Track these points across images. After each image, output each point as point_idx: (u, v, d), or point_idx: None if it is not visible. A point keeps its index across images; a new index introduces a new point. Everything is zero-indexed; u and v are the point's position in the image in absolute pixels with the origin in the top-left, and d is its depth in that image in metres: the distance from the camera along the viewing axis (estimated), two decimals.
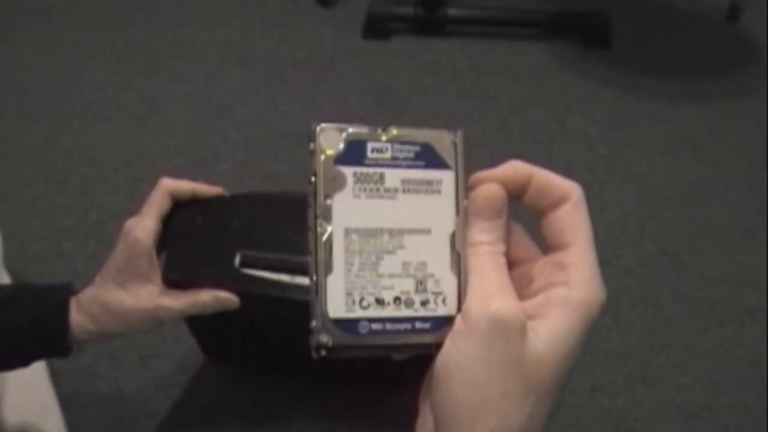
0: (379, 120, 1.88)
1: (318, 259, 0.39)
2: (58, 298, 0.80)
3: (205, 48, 1.93)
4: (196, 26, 2.01)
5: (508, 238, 0.42)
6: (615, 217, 1.42)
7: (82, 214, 1.41)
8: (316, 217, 0.39)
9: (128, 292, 0.80)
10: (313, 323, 0.39)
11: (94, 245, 1.33)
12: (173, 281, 0.82)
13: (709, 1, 2.15)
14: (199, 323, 1.00)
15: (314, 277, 0.39)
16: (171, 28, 2.00)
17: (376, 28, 1.97)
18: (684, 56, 1.94)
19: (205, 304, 0.82)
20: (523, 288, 0.41)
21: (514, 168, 0.42)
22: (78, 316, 0.80)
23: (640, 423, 1.08)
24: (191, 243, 0.85)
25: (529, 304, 0.39)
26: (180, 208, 0.85)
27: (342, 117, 1.68)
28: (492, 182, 0.42)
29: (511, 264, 0.41)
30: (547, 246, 0.42)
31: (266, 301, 0.85)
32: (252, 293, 0.84)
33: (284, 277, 0.84)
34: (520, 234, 0.43)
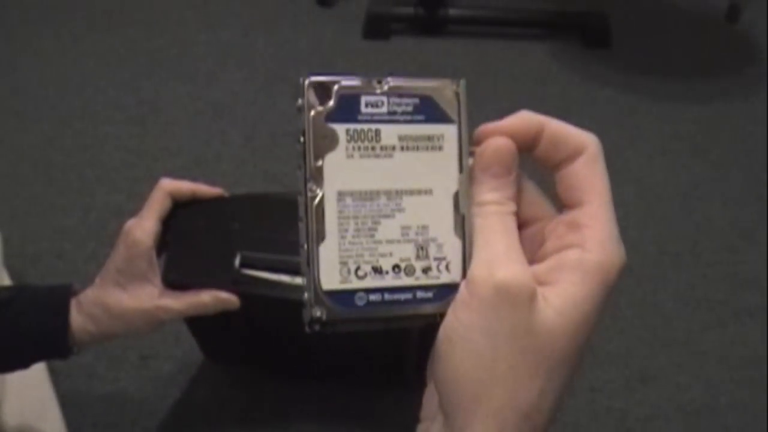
0: None
1: (309, 226, 0.36)
2: (58, 299, 0.80)
3: (205, 48, 1.93)
4: (196, 26, 2.01)
5: (518, 197, 0.38)
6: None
7: (82, 214, 1.41)
8: (306, 181, 0.36)
9: (128, 293, 0.80)
10: (305, 296, 0.36)
11: (94, 245, 1.33)
12: (173, 282, 0.82)
13: (709, 1, 2.15)
14: (198, 324, 1.00)
15: (305, 246, 0.36)
16: (171, 28, 2.00)
17: (376, 28, 1.97)
18: (684, 56, 1.94)
19: (205, 305, 0.82)
20: (534, 250, 0.37)
21: (525, 119, 0.38)
22: (78, 318, 0.80)
23: (640, 423, 1.08)
24: (191, 244, 0.85)
25: (540, 269, 0.36)
26: (180, 208, 0.85)
27: None
28: (500, 135, 0.38)
29: (522, 224, 0.38)
30: (560, 204, 0.39)
31: (266, 302, 0.85)
32: (252, 294, 0.84)
33: (284, 278, 0.84)
34: (531, 191, 0.39)
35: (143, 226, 0.81)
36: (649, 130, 1.67)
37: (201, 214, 0.87)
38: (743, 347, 1.19)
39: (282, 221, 0.87)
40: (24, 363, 0.83)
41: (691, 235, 1.40)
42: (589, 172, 0.38)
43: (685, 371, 1.16)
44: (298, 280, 0.83)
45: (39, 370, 1.00)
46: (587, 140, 0.38)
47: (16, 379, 0.95)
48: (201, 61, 1.87)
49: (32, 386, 0.99)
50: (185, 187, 0.86)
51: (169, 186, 0.85)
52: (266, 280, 0.84)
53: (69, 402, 1.03)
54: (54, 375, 1.03)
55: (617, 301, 1.26)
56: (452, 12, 1.99)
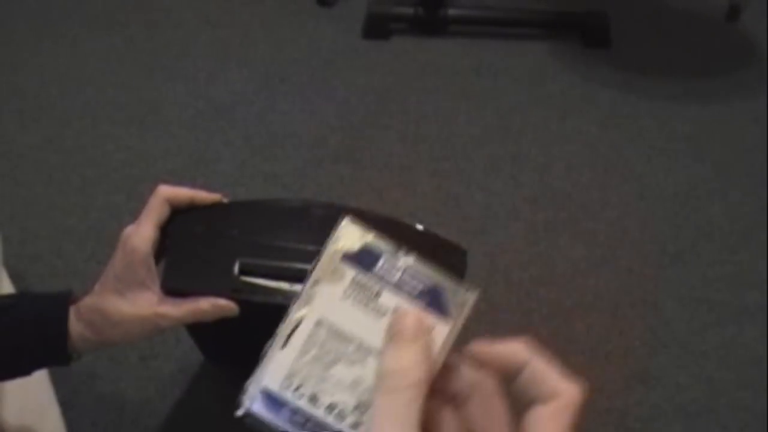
0: (379, 120, 1.88)
1: (281, 331, 0.40)
2: (58, 306, 0.80)
3: (205, 48, 1.93)
4: (196, 26, 2.01)
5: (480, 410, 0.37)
6: (615, 217, 1.42)
7: (82, 214, 1.41)
8: (298, 297, 0.40)
9: (127, 301, 0.80)
10: (247, 383, 0.39)
11: (94, 245, 1.33)
12: (172, 289, 0.82)
13: (709, 1, 2.15)
14: (199, 330, 1.00)
15: (270, 343, 0.40)
16: (171, 28, 2.00)
17: (376, 28, 1.97)
18: (684, 56, 1.94)
19: (204, 312, 0.82)
20: None
21: (514, 351, 0.37)
22: (77, 325, 0.79)
23: (640, 423, 1.08)
24: (190, 251, 0.85)
25: None
26: (178, 215, 0.85)
27: (342, 117, 1.68)
28: (489, 357, 0.37)
29: None
30: None
31: (265, 309, 0.84)
32: (251, 301, 0.84)
33: (283, 285, 0.84)
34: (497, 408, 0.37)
35: (141, 233, 0.81)
36: (649, 130, 1.67)
37: (200, 220, 0.87)
38: (743, 347, 1.19)
39: (281, 228, 0.87)
40: (24, 370, 0.83)
41: (691, 235, 1.40)
42: (552, 425, 0.34)
43: (685, 371, 1.16)
44: (297, 287, 0.83)
45: (40, 371, 1.00)
46: (565, 389, 0.35)
47: (15, 379, 0.95)
48: (201, 61, 1.87)
49: (32, 386, 0.99)
50: (183, 193, 0.86)
51: (167, 192, 0.84)
52: (265, 287, 0.84)
53: (69, 402, 1.03)
54: (54, 375, 1.03)
55: (617, 301, 1.26)
56: (452, 12, 1.99)
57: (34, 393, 0.98)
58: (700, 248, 1.37)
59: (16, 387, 0.96)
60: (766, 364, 1.16)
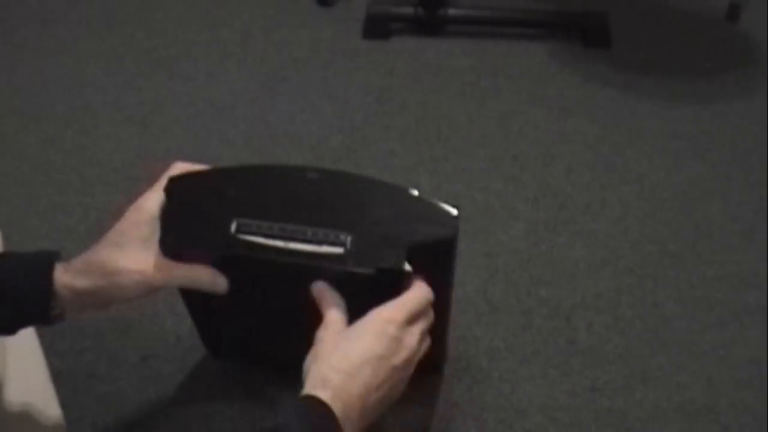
0: (379, 120, 1.88)
1: None
2: (42, 259, 0.83)
3: (205, 48, 1.93)
4: (196, 26, 2.01)
5: None
6: (615, 217, 1.42)
7: (82, 214, 1.41)
8: None
9: (124, 253, 0.83)
10: None
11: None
12: (170, 246, 0.85)
13: (709, 1, 2.15)
14: (198, 304, 1.02)
15: None
16: (171, 28, 2.00)
17: (376, 28, 1.97)
18: (684, 56, 1.94)
19: (198, 278, 0.86)
20: None
21: None
22: (65, 276, 0.81)
23: (640, 423, 1.08)
24: (188, 211, 0.89)
25: None
26: (178, 179, 0.89)
27: (342, 117, 1.68)
28: None
29: None
30: None
31: (261, 266, 0.86)
32: (247, 257, 0.86)
33: (279, 243, 0.86)
34: None
35: (152, 197, 0.86)
36: (649, 130, 1.67)
37: (199, 183, 0.92)
38: (743, 347, 1.19)
39: (278, 190, 0.90)
40: (8, 327, 0.83)
41: (691, 235, 1.40)
42: None
43: (685, 371, 1.16)
44: (292, 245, 0.86)
45: (41, 371, 1.00)
46: None
47: (16, 378, 0.95)
48: (201, 61, 1.87)
49: (33, 385, 0.99)
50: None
51: (182, 169, 0.89)
52: (261, 245, 0.86)
53: (69, 402, 1.03)
54: (54, 375, 1.03)
55: (617, 301, 1.26)
56: (452, 12, 1.99)
57: (35, 392, 0.99)
58: (700, 248, 1.37)
59: (16, 386, 0.96)
60: (766, 364, 1.16)
